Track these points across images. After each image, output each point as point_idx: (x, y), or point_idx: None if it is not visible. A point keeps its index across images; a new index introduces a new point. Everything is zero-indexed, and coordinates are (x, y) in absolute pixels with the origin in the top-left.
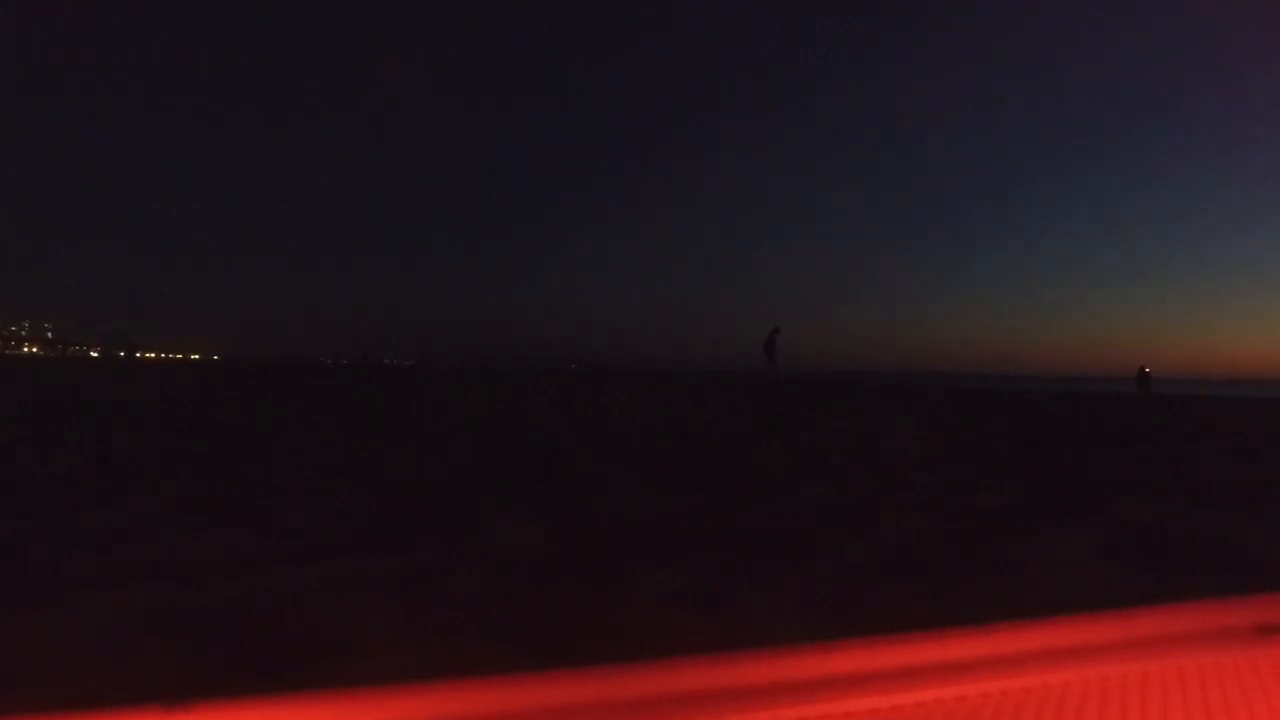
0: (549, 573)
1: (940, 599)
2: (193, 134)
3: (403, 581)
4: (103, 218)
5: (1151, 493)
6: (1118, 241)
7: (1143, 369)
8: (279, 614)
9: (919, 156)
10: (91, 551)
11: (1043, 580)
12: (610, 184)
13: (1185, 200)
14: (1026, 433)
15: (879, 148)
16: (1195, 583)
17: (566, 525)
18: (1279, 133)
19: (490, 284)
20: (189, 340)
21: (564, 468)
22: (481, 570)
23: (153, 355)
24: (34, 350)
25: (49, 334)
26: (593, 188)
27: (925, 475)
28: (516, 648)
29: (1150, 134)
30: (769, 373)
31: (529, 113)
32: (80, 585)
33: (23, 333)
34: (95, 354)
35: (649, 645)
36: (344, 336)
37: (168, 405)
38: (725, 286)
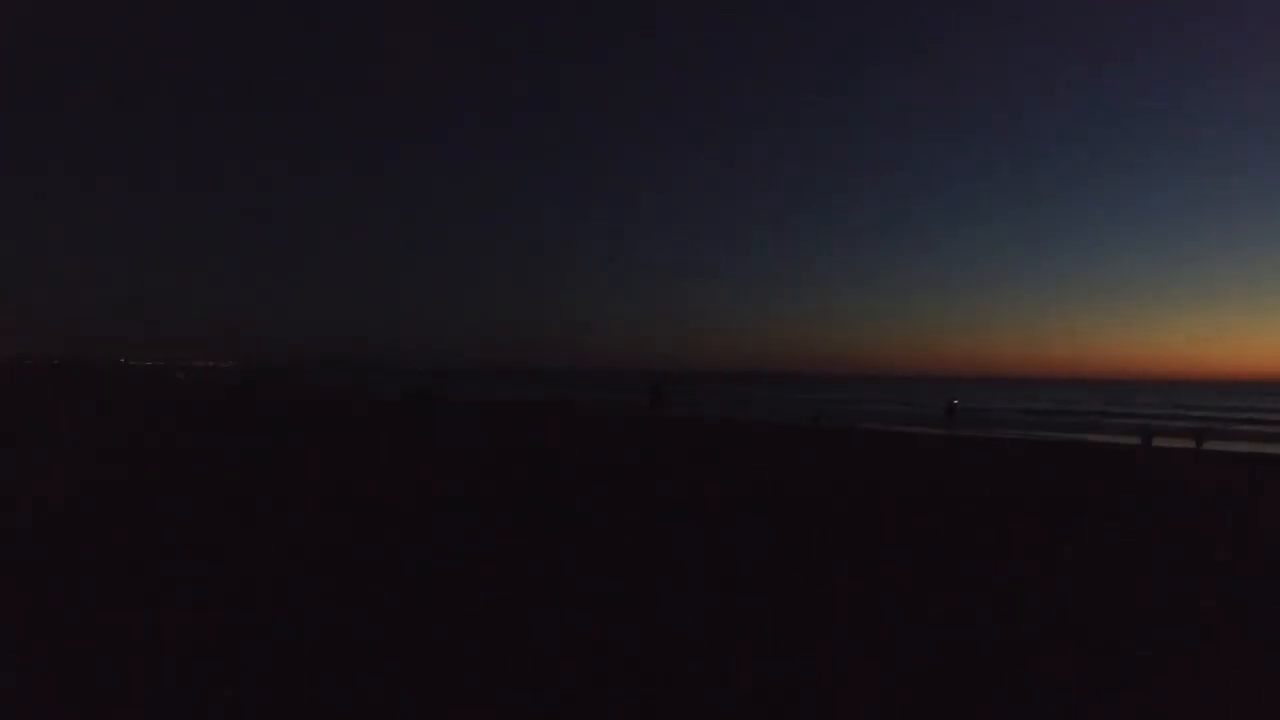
0: None
1: None
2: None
3: None
4: None
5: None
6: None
7: (951, 401)
8: None
9: (759, 149)
10: None
11: None
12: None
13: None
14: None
15: (719, 137)
16: None
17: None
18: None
19: (335, 279)
20: None
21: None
22: None
23: None
24: None
25: None
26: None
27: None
28: None
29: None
30: (658, 412)
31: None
32: None
33: None
34: None
35: None
36: (153, 335)
37: None
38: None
